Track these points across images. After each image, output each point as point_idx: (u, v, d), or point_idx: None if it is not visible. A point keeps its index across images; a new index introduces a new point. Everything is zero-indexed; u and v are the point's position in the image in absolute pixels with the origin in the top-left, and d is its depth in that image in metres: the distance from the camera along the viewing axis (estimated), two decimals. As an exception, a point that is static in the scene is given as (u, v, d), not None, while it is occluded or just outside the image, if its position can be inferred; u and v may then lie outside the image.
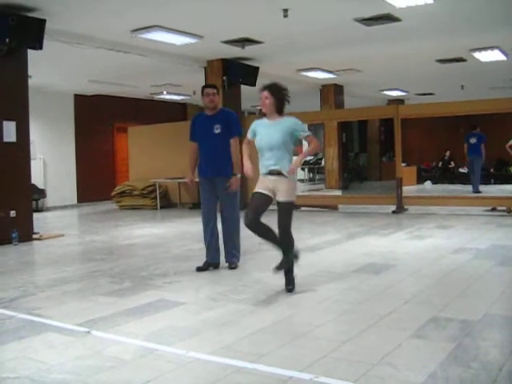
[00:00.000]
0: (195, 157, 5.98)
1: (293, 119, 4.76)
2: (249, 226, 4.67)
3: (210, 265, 5.95)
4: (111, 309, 4.45)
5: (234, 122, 5.90)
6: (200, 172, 5.96)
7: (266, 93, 4.70)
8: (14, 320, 4.21)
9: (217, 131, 5.78)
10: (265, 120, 4.80)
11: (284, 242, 4.73)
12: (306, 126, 4.77)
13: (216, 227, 6.00)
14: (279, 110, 4.73)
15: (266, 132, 4.70)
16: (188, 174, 6.08)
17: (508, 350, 3.24)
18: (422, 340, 3.49)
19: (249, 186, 11.93)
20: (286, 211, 4.69)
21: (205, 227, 5.99)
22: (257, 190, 4.73)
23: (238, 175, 5.77)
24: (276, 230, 4.73)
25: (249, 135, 4.90)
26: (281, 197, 4.66)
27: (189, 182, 6.06)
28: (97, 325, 4.00)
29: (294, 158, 4.83)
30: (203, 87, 6.01)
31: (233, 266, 5.93)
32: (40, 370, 3.15)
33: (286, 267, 4.77)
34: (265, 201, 4.69)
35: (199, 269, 5.88)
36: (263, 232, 4.72)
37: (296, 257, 4.84)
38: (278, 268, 4.70)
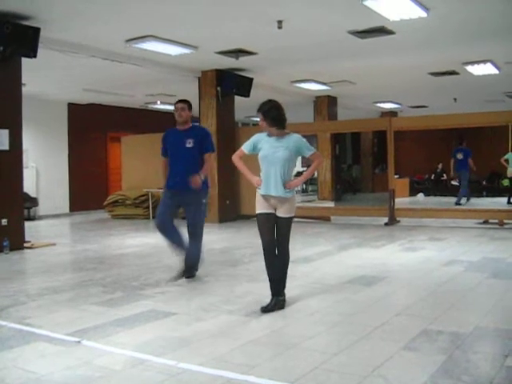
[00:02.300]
0: (167, 171, 6.07)
1: (297, 137, 4.63)
2: (268, 247, 4.65)
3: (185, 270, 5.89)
4: (102, 318, 4.43)
5: (208, 139, 5.94)
6: (167, 184, 5.99)
7: (259, 115, 4.62)
8: (4, 329, 4.18)
9: (189, 145, 5.83)
10: (269, 135, 4.67)
11: (283, 260, 4.70)
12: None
13: (174, 227, 5.99)
14: (279, 127, 4.60)
15: (270, 147, 4.59)
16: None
17: (499, 364, 3.24)
18: (413, 352, 3.49)
19: (242, 193, 12.06)
20: (286, 227, 4.66)
21: (162, 233, 6.05)
22: (259, 211, 4.67)
23: (202, 176, 5.74)
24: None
25: (246, 148, 4.73)
26: (281, 213, 4.63)
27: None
28: (87, 334, 3.98)
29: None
30: (175, 103, 6.08)
31: (189, 276, 5.88)
32: (30, 379, 3.13)
33: (278, 307, 4.63)
34: (272, 219, 4.64)
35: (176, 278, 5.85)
36: (275, 259, 4.69)
37: (283, 301, 4.73)
38: (269, 309, 4.59)
